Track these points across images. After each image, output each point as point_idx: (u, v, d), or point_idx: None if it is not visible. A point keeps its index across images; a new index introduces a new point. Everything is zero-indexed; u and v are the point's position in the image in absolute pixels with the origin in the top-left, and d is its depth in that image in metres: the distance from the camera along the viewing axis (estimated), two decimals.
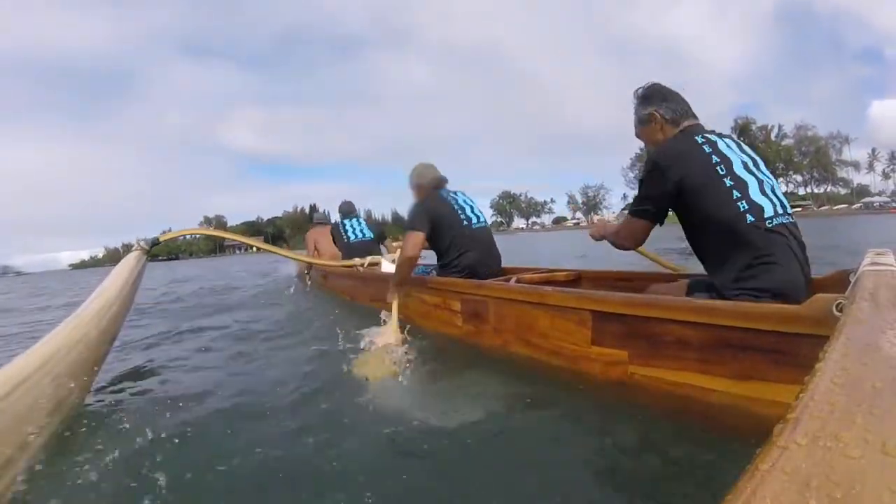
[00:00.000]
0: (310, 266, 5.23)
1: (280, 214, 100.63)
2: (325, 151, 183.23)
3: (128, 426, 1.40)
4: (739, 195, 1.29)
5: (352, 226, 4.56)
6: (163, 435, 1.35)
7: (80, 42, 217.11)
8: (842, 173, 66.28)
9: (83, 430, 1.33)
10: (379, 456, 1.20)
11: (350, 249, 4.28)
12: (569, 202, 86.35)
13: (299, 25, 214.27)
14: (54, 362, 1.32)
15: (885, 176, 69.98)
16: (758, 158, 1.43)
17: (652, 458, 1.11)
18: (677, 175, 1.33)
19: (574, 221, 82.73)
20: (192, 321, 3.76)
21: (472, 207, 2.52)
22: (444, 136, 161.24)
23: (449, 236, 2.40)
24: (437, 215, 2.40)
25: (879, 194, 63.12)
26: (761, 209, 1.28)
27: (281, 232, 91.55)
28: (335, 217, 5.15)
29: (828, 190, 65.90)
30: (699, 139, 1.37)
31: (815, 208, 57.64)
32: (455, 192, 2.58)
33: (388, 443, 1.27)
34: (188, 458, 1.21)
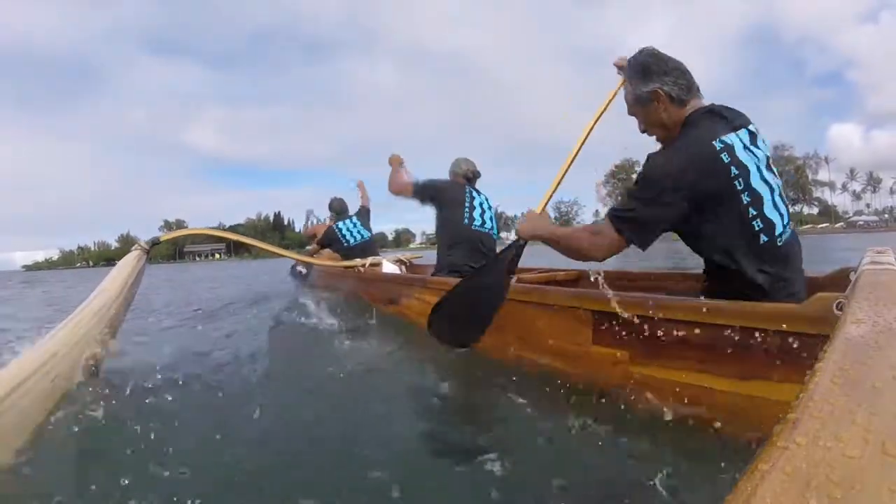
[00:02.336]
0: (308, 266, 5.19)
1: (242, 222, 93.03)
2: (291, 155, 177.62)
3: (128, 426, 1.40)
4: (755, 212, 1.14)
5: (347, 228, 4.38)
6: (164, 434, 1.35)
7: (38, 34, 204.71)
8: (816, 193, 68.75)
9: (84, 429, 1.33)
10: (371, 450, 1.20)
11: (350, 253, 4.12)
12: None
13: (269, 25, 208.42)
14: (54, 362, 1.32)
15: (857, 196, 73.90)
16: (767, 153, 1.27)
17: (652, 457, 1.11)
18: (690, 193, 1.13)
19: None
20: (191, 321, 3.76)
21: (485, 212, 2.60)
22: (412, 142, 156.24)
23: (447, 223, 2.53)
24: (445, 195, 2.59)
25: (844, 215, 66.34)
26: (773, 226, 1.17)
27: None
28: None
29: (802, 210, 67.26)
30: (717, 145, 1.15)
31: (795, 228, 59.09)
32: (479, 192, 2.67)
33: (385, 439, 1.27)
34: (189, 457, 1.21)
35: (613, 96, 1.79)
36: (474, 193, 2.64)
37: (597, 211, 78.60)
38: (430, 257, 2.73)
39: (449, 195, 2.59)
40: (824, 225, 58.80)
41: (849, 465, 0.27)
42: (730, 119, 1.24)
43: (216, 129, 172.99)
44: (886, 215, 67.69)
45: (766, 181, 1.19)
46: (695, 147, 1.18)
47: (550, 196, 1.78)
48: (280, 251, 3.58)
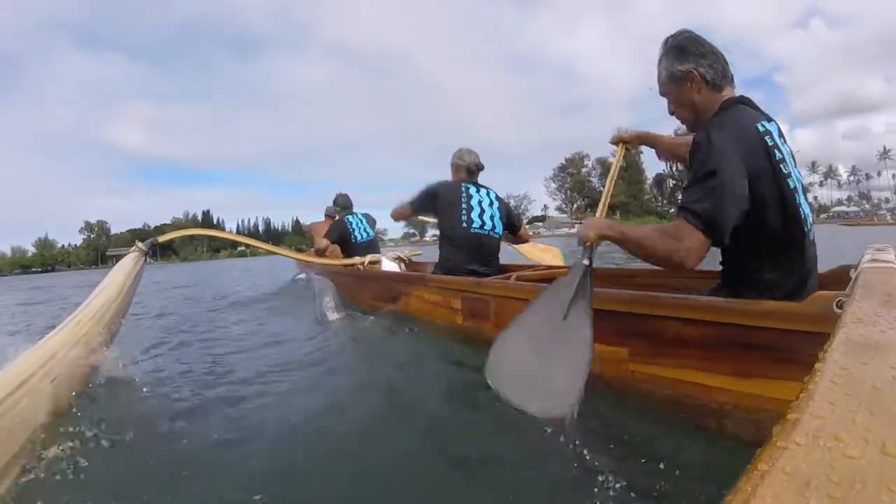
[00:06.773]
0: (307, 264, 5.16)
1: (168, 221, 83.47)
2: (218, 154, 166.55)
3: (128, 426, 1.40)
4: (799, 201, 1.11)
5: (357, 222, 4.33)
6: (163, 435, 1.35)
7: None
8: None
9: (83, 430, 1.33)
10: (373, 445, 1.20)
11: (355, 251, 4.04)
12: None
13: (197, 17, 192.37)
14: (54, 362, 1.32)
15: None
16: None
17: (651, 456, 1.11)
18: (745, 166, 1.06)
19: None
20: (189, 321, 3.76)
21: (484, 211, 2.47)
22: (344, 144, 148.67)
23: (446, 226, 2.46)
24: (439, 201, 2.48)
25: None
26: (807, 218, 1.15)
27: (170, 242, 76.74)
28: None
29: None
30: (760, 128, 1.13)
31: None
32: (479, 188, 2.52)
33: (384, 439, 1.27)
34: (188, 457, 1.22)
35: (618, 164, 1.84)
36: (472, 191, 2.48)
37: (545, 206, 79.60)
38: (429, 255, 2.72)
39: (443, 199, 2.45)
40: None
41: (849, 465, 0.27)
42: (761, 111, 1.25)
43: (140, 127, 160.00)
44: (867, 205, 71.99)
45: (796, 176, 1.18)
46: (739, 124, 1.15)
47: (605, 203, 1.64)
48: (280, 251, 3.59)
